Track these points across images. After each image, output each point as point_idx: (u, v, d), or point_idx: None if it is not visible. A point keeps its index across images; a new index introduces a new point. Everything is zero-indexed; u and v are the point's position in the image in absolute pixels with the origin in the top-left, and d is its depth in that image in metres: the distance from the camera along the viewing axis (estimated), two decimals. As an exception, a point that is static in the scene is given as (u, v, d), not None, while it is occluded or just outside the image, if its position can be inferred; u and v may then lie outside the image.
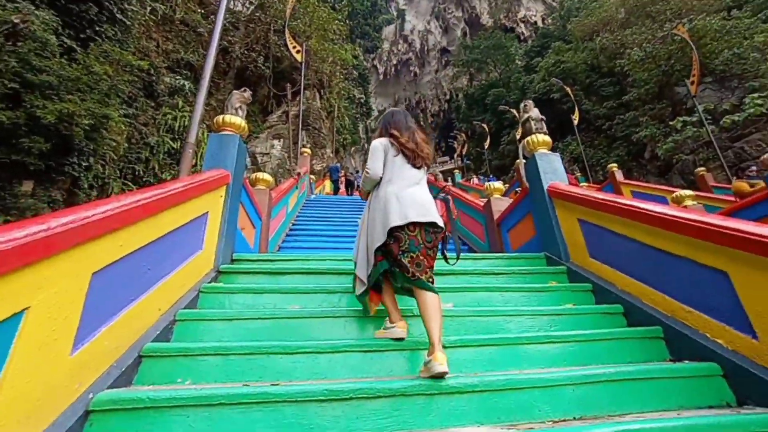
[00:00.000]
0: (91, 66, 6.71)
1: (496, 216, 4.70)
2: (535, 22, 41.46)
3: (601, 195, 2.86)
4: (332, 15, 16.64)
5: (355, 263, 2.19)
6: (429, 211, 2.00)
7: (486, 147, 30.49)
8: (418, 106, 58.30)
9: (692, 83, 11.18)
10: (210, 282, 2.47)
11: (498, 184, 4.93)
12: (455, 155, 53.21)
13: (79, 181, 7.70)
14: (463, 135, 42.18)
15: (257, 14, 15.34)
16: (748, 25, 13.70)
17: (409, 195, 2.01)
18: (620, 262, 2.59)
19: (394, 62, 56.33)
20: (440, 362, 1.58)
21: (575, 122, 18.34)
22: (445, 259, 2.27)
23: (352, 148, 35.65)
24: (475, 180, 25.01)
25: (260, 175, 4.42)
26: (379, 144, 2.20)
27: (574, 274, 3.00)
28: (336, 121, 17.76)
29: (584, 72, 22.58)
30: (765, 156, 4.28)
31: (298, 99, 12.94)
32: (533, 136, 3.79)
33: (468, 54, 40.34)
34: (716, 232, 1.80)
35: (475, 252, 5.42)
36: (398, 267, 1.93)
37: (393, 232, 1.95)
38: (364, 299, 2.16)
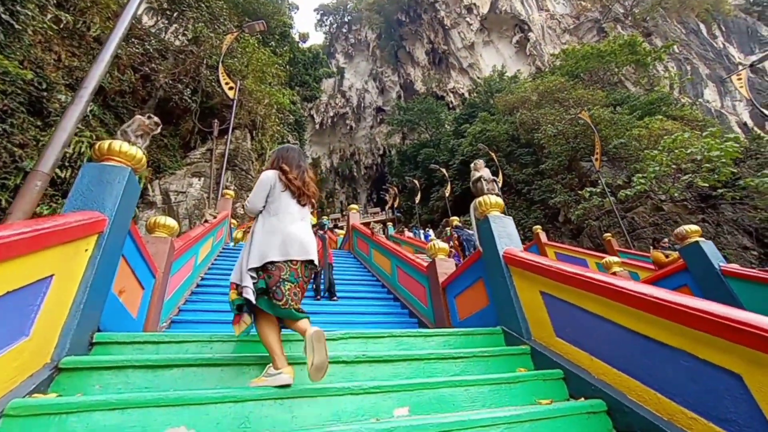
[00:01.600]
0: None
1: (441, 279, 4.30)
2: (462, 94, 46.53)
3: (567, 267, 2.59)
4: (272, 58, 16.45)
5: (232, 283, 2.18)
6: (309, 249, 2.16)
7: (417, 201, 31.71)
8: (352, 157, 59.80)
9: (596, 159, 12.94)
10: (33, 391, 1.52)
11: (443, 245, 4.62)
12: (386, 207, 54.80)
13: None
14: (395, 189, 43.85)
15: (190, 48, 14.46)
16: (628, 120, 16.74)
17: (293, 232, 2.14)
18: (596, 345, 2.25)
19: (331, 114, 57.99)
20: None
21: (499, 184, 20.06)
22: (316, 293, 2.74)
23: None
24: (408, 233, 25.46)
25: (160, 219, 3.47)
26: (266, 178, 2.28)
27: (539, 357, 2.60)
28: (266, 163, 16.86)
29: (506, 141, 25.33)
30: (678, 229, 4.64)
31: (225, 138, 11.98)
32: (485, 197, 3.58)
33: (402, 114, 43.25)
34: (726, 327, 1.52)
35: (416, 316, 4.91)
36: (271, 295, 1.98)
37: (275, 263, 2.03)
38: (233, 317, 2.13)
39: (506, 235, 3.38)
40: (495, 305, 3.28)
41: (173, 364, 1.86)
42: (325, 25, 63.26)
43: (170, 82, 12.73)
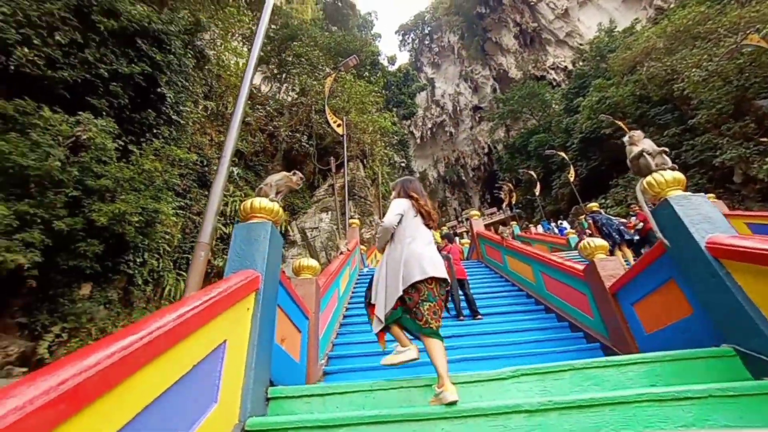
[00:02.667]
0: (143, 165, 6.85)
1: (608, 283, 3.47)
2: (565, 67, 41.40)
3: None
4: (369, 87, 17.44)
5: (369, 303, 2.43)
6: (442, 268, 2.31)
7: (537, 193, 28.87)
8: (457, 162, 58.70)
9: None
10: (228, 458, 1.57)
11: (600, 241, 3.76)
12: (504, 205, 51.62)
13: (133, 278, 7.62)
14: (509, 185, 41.00)
15: (299, 99, 16.39)
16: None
17: (427, 253, 2.32)
18: None
19: (429, 125, 58.43)
20: (451, 392, 1.88)
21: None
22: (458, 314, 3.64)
23: None
24: (534, 229, 23.16)
25: (304, 261, 3.68)
26: (401, 202, 2.49)
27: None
28: (381, 187, 17.64)
29: (632, 104, 21.19)
30: None
31: (342, 171, 12.91)
32: (655, 174, 2.72)
33: (503, 106, 40.62)
34: None
35: (579, 330, 4.09)
36: (412, 315, 2.19)
37: (415, 285, 2.19)
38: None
39: (702, 219, 2.47)
40: (704, 314, 2.40)
41: (343, 424, 1.75)
42: (408, 43, 64.91)
43: (289, 134, 14.52)
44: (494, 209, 52.67)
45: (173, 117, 9.65)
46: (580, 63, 33.62)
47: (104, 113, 7.48)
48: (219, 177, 2.55)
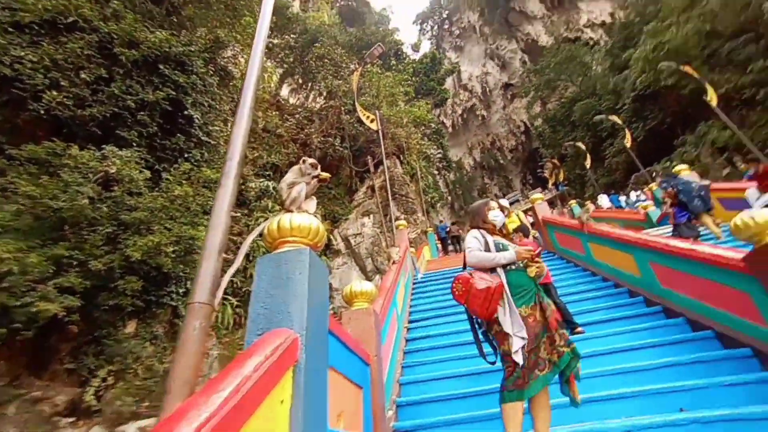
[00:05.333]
0: (173, 191, 6.48)
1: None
2: (603, 21, 37.75)
3: None
4: (398, 77, 16.54)
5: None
6: None
7: (589, 166, 26.34)
8: (493, 146, 56.12)
9: None
10: None
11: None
12: (549, 185, 48.60)
13: (177, 310, 7.34)
14: (553, 161, 38.39)
15: (328, 103, 15.88)
16: None
17: None
18: None
19: (459, 112, 56.24)
20: None
21: (713, 103, 14.24)
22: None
23: (438, 204, 34.44)
24: (592, 206, 20.94)
25: (357, 287, 2.87)
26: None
27: None
28: (420, 182, 16.68)
29: (698, 45, 18.34)
30: None
31: (380, 170, 12.14)
32: None
33: (536, 78, 37.86)
34: None
35: (737, 342, 2.92)
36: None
37: None
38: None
39: None
40: None
41: None
42: (427, 32, 63.04)
43: (321, 139, 14.01)
44: (538, 189, 49.71)
45: (203, 138, 9.39)
46: (621, 13, 30.30)
47: (134, 144, 7.28)
48: (222, 196, 1.75)
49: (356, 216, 12.40)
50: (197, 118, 8.90)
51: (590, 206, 18.12)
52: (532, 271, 2.31)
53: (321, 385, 1.59)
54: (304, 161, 1.97)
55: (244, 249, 1.79)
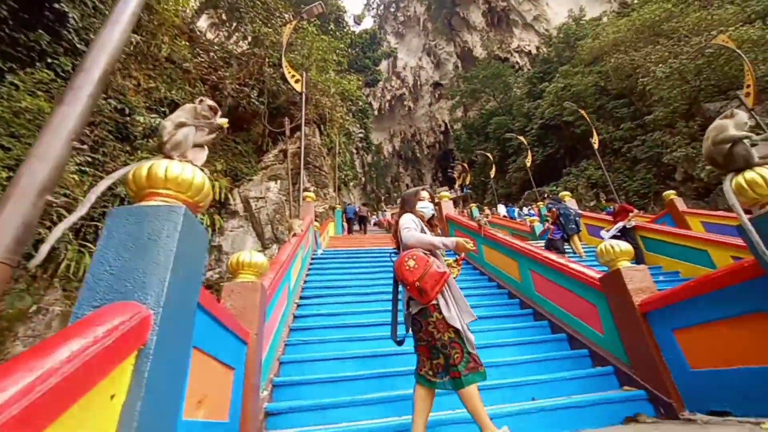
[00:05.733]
0: (20, 99, 5.02)
1: (637, 299, 2.83)
2: (530, 51, 41.69)
3: None
4: (333, 43, 15.54)
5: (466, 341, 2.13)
6: None
7: (492, 176, 29.12)
8: (413, 138, 58.15)
9: (747, 94, 9.76)
10: None
11: (626, 246, 3.09)
12: (456, 185, 52.53)
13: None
14: (463, 165, 41.47)
15: (252, 50, 14.18)
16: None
17: None
18: None
19: (388, 98, 56.60)
20: None
21: (595, 145, 17.01)
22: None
23: (351, 183, 34.47)
24: (487, 212, 23.25)
25: (245, 257, 2.54)
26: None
27: None
28: (337, 157, 16.25)
29: (593, 95, 21.66)
30: None
31: (296, 135, 11.40)
32: (761, 170, 1.99)
33: (465, 84, 40.11)
34: None
35: (583, 346, 3.49)
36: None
37: None
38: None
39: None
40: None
41: None
42: (373, 8, 61.37)
43: (237, 87, 12.51)
44: (445, 188, 53.43)
45: (79, 45, 7.48)
46: (546, 48, 33.80)
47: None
48: (61, 117, 1.26)
49: (262, 178, 11.50)
50: (74, 18, 7.06)
51: (488, 212, 19.82)
52: (455, 271, 2.41)
53: (178, 370, 1.31)
54: (201, 101, 1.57)
55: (95, 194, 1.35)
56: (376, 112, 56.23)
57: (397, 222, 2.47)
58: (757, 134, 2.13)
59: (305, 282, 5.47)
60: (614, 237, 6.59)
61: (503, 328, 4.12)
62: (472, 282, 5.98)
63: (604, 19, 27.23)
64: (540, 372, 3.13)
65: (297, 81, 9.11)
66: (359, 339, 3.69)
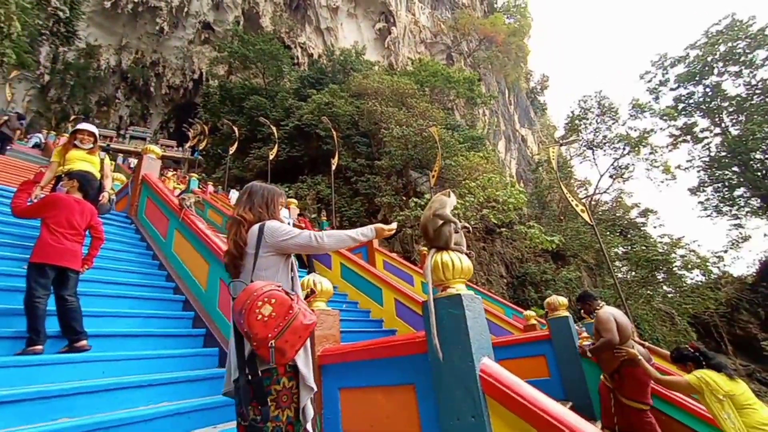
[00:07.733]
0: None
1: (320, 349, 2.47)
2: (312, 54, 42.89)
3: None
4: None
5: None
6: None
7: (231, 152, 26.80)
8: (153, 67, 46.25)
9: (433, 176, 13.51)
10: None
11: (328, 286, 2.75)
12: (187, 145, 45.68)
13: None
14: (204, 126, 36.94)
15: None
16: (459, 147, 18.86)
17: None
18: None
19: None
20: None
21: (333, 166, 18.69)
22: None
23: (13, 73, 22.63)
24: (211, 188, 20.69)
25: None
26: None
27: None
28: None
29: (347, 123, 24.21)
30: (551, 299, 4.49)
31: None
32: (453, 255, 2.02)
33: (239, 45, 35.92)
34: None
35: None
36: None
37: None
38: None
39: (479, 333, 1.95)
40: None
41: None
42: None
43: None
44: (173, 143, 45.27)
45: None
46: (327, 60, 35.63)
47: None
48: None
49: None
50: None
51: (212, 190, 17.22)
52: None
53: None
54: None
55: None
56: (109, 5, 40.97)
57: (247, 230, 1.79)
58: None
59: None
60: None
61: (157, 356, 2.93)
62: (140, 276, 4.35)
63: (376, 68, 31.91)
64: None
65: None
66: None
